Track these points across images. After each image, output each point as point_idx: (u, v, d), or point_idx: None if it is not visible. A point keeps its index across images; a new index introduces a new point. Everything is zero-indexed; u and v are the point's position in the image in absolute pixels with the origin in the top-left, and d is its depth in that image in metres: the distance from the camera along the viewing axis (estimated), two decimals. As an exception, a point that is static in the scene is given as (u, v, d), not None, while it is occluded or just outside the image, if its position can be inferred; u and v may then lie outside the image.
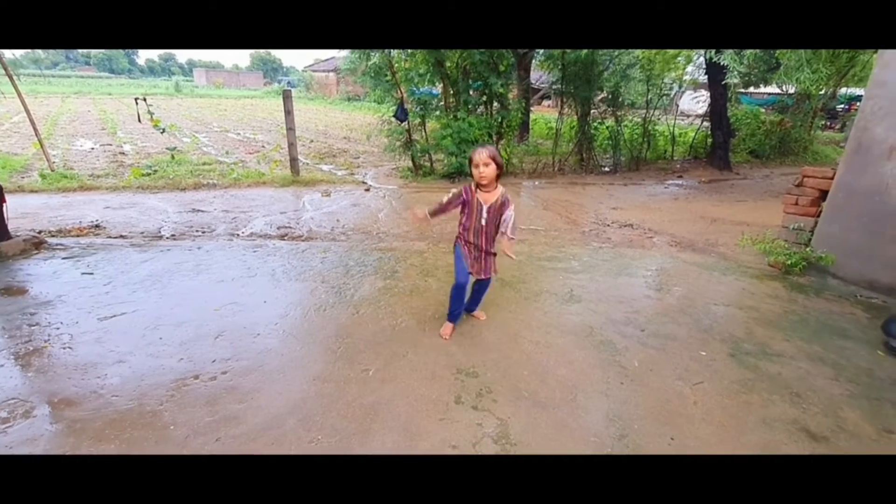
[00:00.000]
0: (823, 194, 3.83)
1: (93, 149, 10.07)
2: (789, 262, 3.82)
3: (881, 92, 3.36)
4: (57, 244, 4.12)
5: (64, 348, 2.54)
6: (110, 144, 10.69)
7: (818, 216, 3.86)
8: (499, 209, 2.56)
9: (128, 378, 2.29)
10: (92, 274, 3.50)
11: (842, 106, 17.45)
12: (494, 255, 2.70)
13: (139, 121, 13.27)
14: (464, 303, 2.78)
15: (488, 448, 1.91)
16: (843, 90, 13.38)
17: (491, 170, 2.46)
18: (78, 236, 4.49)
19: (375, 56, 7.28)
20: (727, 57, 5.61)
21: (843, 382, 2.42)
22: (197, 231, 4.76)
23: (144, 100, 11.69)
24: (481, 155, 2.46)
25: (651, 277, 3.78)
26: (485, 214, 2.56)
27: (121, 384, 2.24)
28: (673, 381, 2.39)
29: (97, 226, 4.85)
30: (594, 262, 4.08)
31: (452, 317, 2.79)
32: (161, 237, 4.52)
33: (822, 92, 11.17)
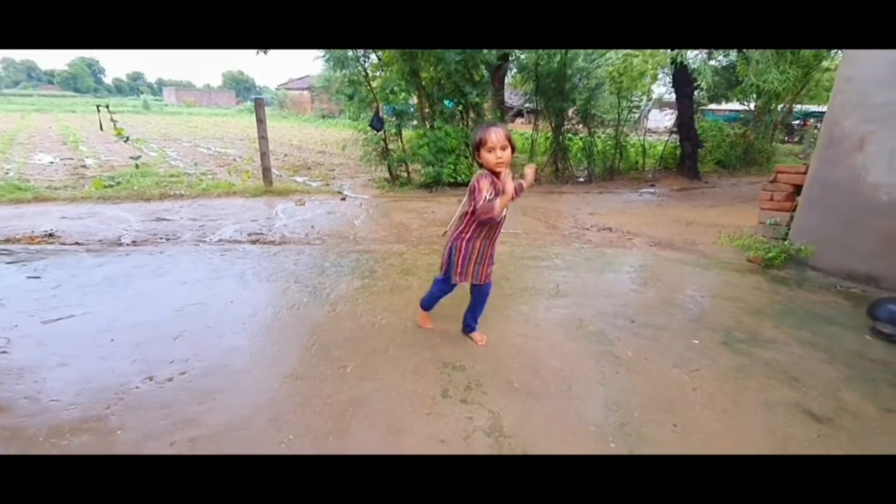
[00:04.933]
0: (798, 189, 3.89)
1: (52, 163, 9.55)
2: (769, 255, 3.82)
3: (849, 87, 3.45)
4: (1, 250, 3.77)
5: (-2, 354, 2.25)
6: (71, 158, 10.16)
7: (794, 210, 3.91)
8: None
9: (71, 382, 2.02)
10: (39, 278, 3.19)
11: (797, 122, 18.42)
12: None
13: (101, 128, 12.72)
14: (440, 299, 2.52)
15: (481, 441, 1.74)
16: (798, 107, 14.10)
17: (509, 153, 2.00)
18: (29, 244, 4.13)
19: (350, 69, 7.23)
20: (697, 61, 5.79)
21: (838, 366, 2.37)
22: (161, 238, 4.46)
23: (107, 107, 11.25)
24: (499, 135, 1.94)
25: (635, 273, 3.72)
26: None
27: (62, 388, 1.97)
28: (669, 368, 2.28)
29: (51, 235, 4.49)
30: (577, 260, 4.00)
31: (426, 304, 2.56)
32: (121, 244, 4.21)
33: (781, 107, 11.73)
